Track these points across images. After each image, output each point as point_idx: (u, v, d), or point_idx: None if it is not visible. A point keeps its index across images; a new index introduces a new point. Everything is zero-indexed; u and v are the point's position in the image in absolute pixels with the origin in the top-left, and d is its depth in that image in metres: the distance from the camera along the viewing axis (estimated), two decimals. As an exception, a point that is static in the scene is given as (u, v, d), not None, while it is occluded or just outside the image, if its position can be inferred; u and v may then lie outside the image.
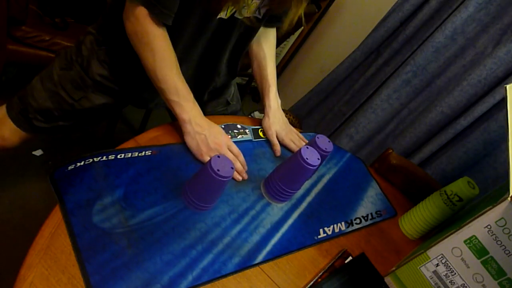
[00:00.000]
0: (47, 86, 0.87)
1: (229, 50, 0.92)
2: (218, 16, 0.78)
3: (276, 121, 0.91)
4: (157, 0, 0.69)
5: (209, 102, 1.07)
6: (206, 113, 0.80)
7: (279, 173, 0.74)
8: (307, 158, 0.69)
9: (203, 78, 0.96)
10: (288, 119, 1.21)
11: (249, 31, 0.89)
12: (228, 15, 0.79)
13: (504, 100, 0.70)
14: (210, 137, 0.75)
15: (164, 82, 0.74)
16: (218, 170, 0.59)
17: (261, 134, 0.91)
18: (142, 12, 0.70)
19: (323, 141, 0.81)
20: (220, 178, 0.60)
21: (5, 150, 0.93)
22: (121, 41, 0.81)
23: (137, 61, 0.76)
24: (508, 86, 0.71)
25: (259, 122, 0.95)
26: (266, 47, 0.96)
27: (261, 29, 0.93)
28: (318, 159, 0.71)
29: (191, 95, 0.77)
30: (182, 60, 0.80)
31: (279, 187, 0.74)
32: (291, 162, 0.72)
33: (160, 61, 0.73)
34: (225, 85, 1.06)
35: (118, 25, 0.76)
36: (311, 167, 0.70)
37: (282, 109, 0.96)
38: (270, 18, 0.89)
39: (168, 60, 0.74)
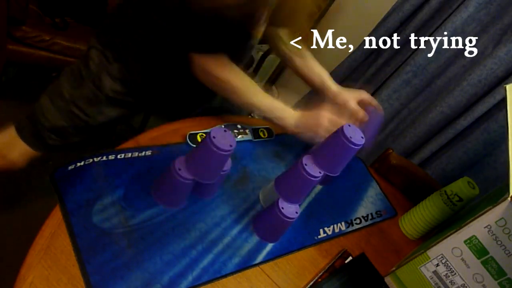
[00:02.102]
0: (58, 105, 0.84)
1: None
2: None
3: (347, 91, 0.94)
4: (215, 45, 0.74)
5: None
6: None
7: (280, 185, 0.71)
8: (306, 166, 0.66)
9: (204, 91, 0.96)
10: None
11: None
12: None
13: (504, 100, 0.70)
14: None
15: (257, 108, 0.81)
16: (218, 144, 0.57)
17: (261, 134, 0.91)
18: (206, 61, 0.76)
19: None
20: (220, 152, 0.57)
21: (10, 171, 0.91)
22: (138, 60, 0.80)
23: (155, 77, 0.75)
24: (508, 86, 0.71)
25: (259, 122, 0.94)
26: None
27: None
28: (320, 172, 0.67)
29: (281, 106, 0.82)
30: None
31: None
32: (293, 171, 0.69)
33: (243, 97, 0.80)
34: None
35: (134, 44, 0.75)
36: (314, 179, 0.67)
37: None
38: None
39: (246, 91, 0.80)
